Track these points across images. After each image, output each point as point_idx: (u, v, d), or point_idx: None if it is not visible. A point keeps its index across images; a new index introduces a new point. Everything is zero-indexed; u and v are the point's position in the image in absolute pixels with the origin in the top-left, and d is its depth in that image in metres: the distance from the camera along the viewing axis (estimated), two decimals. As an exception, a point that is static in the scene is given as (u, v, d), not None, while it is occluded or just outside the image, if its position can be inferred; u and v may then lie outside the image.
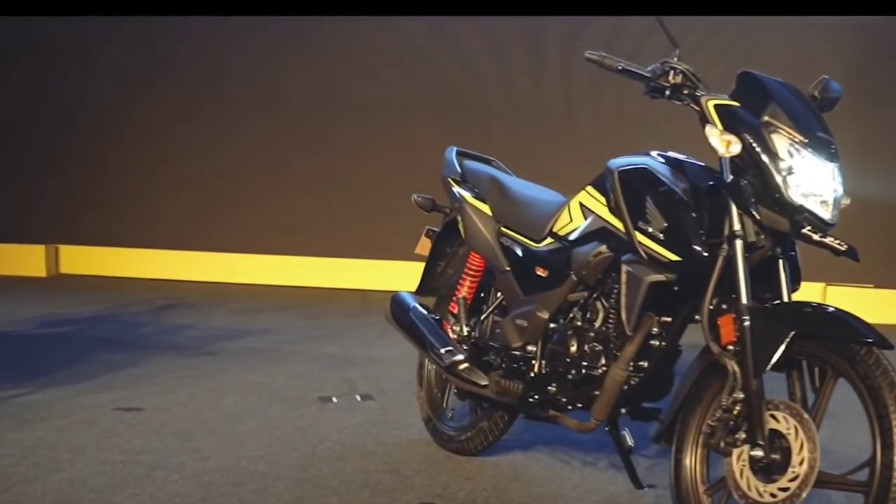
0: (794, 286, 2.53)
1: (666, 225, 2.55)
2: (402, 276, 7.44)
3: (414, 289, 3.72)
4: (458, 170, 3.55)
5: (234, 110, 7.72)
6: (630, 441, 3.04)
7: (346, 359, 5.08)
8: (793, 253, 2.53)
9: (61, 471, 3.20)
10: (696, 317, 2.67)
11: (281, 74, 7.67)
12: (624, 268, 2.66)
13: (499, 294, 3.42)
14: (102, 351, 5.08)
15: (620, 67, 2.62)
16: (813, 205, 2.39)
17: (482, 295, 3.55)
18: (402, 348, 5.32)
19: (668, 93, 2.60)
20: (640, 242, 2.61)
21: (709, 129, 2.45)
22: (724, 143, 2.44)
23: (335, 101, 7.61)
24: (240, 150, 7.77)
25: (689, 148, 2.91)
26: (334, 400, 4.20)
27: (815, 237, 2.37)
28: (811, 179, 2.39)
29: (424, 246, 3.74)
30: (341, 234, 7.62)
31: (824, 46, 6.48)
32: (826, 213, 2.40)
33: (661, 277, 2.58)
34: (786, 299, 2.48)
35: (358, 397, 4.26)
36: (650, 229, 2.59)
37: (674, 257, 2.53)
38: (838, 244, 2.39)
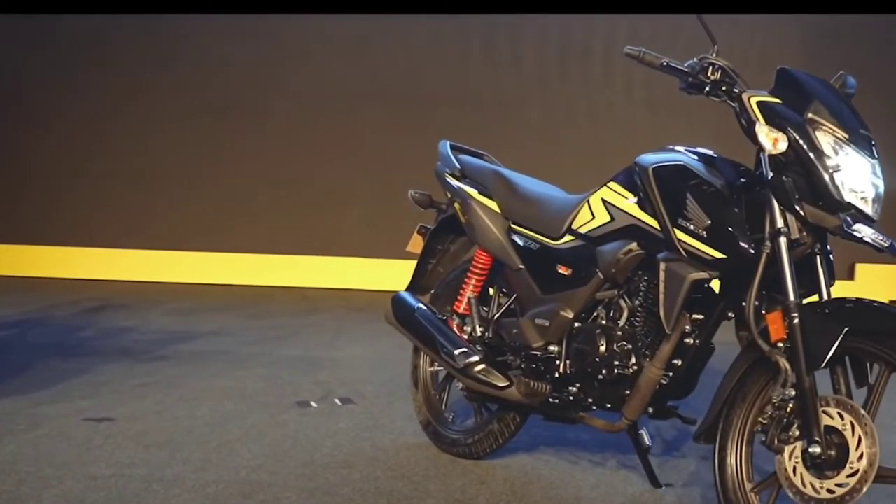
0: (829, 282, 2.62)
1: (709, 222, 2.60)
2: (342, 273, 7.43)
3: (355, 285, 3.69)
4: (457, 165, 3.54)
5: (163, 103, 7.55)
6: (648, 440, 3.10)
7: (309, 361, 5.02)
8: (828, 249, 2.63)
9: (51, 487, 3.07)
10: (729, 314, 2.76)
11: (213, 66, 7.54)
12: (662, 265, 2.70)
13: (503, 291, 3.45)
14: (47, 357, 4.90)
15: (664, 63, 2.66)
16: (858, 201, 2.48)
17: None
18: (363, 349, 5.35)
19: (707, 89, 2.66)
20: (679, 240, 2.66)
21: (758, 127, 2.52)
22: (772, 140, 2.50)
23: (272, 90, 7.52)
24: (168, 144, 7.60)
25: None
26: (313, 405, 4.16)
27: (862, 234, 2.46)
28: (856, 176, 2.48)
29: (416, 243, 3.73)
30: (277, 231, 7.54)
31: (774, 41, 6.72)
32: (869, 210, 2.50)
33: (703, 275, 2.63)
34: (825, 296, 2.57)
35: (338, 401, 4.22)
36: (691, 227, 2.64)
37: (719, 255, 2.59)
38: (882, 241, 2.48)
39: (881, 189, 2.53)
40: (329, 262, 7.49)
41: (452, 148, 3.69)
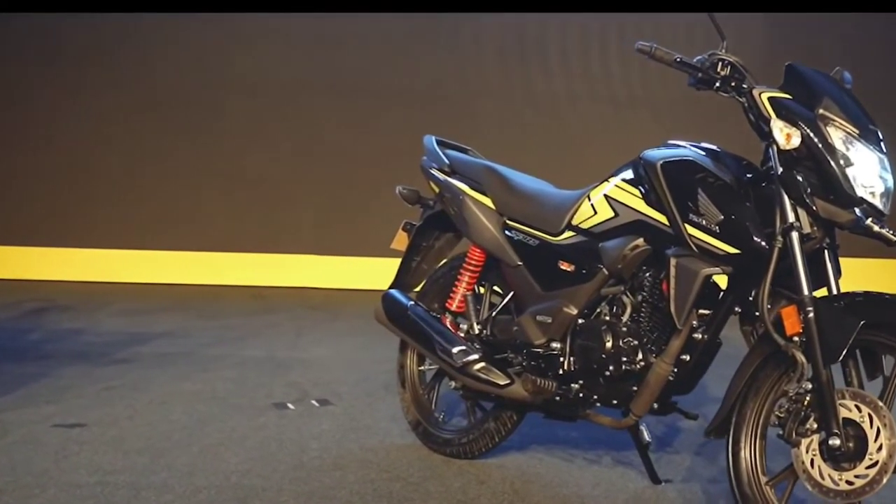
0: (837, 276, 2.69)
1: (722, 217, 2.66)
2: (295, 271, 7.38)
3: (309, 283, 3.66)
4: (446, 160, 3.55)
5: (108, 97, 7.40)
6: (647, 436, 3.16)
7: (275, 362, 4.99)
8: (836, 243, 2.70)
9: (34, 497, 3.01)
10: (736, 308, 2.83)
11: (160, 59, 7.42)
12: (673, 261, 2.75)
13: (494, 289, 3.48)
14: (0, 361, 4.78)
15: (677, 59, 2.71)
16: (868, 196, 2.56)
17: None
18: (328, 349, 5.34)
19: (717, 84, 2.72)
20: (691, 235, 2.71)
21: (774, 122, 2.58)
22: (785, 136, 2.57)
23: (222, 83, 7.42)
24: (111, 139, 7.45)
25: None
26: (290, 406, 4.13)
27: (875, 228, 2.55)
28: (867, 171, 2.56)
29: (401, 241, 3.73)
30: (226, 228, 7.45)
31: (735, 39, 6.85)
32: (880, 204, 2.58)
33: (716, 270, 2.69)
34: (834, 290, 2.64)
35: (315, 402, 4.20)
36: (703, 222, 2.69)
37: (732, 250, 2.64)
38: (892, 234, 2.57)
39: (890, 183, 2.61)
40: (281, 260, 7.43)
41: (437, 143, 3.70)
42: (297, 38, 7.40)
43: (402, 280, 3.73)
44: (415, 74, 7.43)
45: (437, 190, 3.55)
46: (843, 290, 2.62)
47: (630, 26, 6.82)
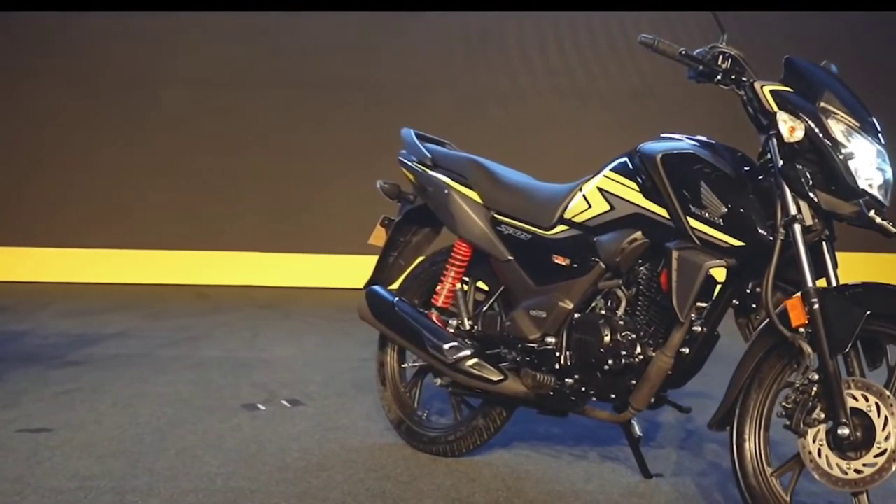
0: (835, 268, 2.76)
1: (725, 210, 2.70)
2: (239, 269, 7.29)
3: (253, 281, 3.64)
4: (427, 153, 3.54)
5: (43, 91, 7.22)
6: (638, 431, 3.20)
7: (235, 362, 4.92)
8: (834, 235, 2.77)
9: (14, 504, 2.93)
10: (734, 301, 2.88)
11: (98, 54, 7.26)
12: (675, 254, 2.78)
13: (478, 286, 3.48)
14: (-54, 365, 4.64)
15: (681, 52, 2.75)
16: (869, 187, 2.63)
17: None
18: (288, 348, 5.30)
19: (718, 77, 2.76)
20: (693, 228, 2.75)
21: (779, 115, 2.63)
22: (790, 129, 2.63)
23: (159, 78, 7.30)
24: (45, 133, 7.25)
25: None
26: (261, 407, 4.08)
27: (878, 220, 2.61)
28: (868, 163, 2.63)
29: (379, 236, 3.71)
30: (167, 224, 7.33)
31: (700, 39, 6.99)
32: (880, 195, 2.65)
33: (719, 263, 2.73)
34: (833, 281, 2.71)
35: (286, 403, 4.15)
36: (706, 215, 2.73)
37: (737, 242, 2.69)
38: (892, 226, 2.64)
39: (888, 175, 2.68)
40: (225, 258, 7.33)
41: (416, 136, 3.68)
42: (239, 32, 7.32)
43: (379, 276, 3.70)
44: (361, 69, 7.40)
45: (416, 183, 3.53)
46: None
47: (582, 22, 6.88)
